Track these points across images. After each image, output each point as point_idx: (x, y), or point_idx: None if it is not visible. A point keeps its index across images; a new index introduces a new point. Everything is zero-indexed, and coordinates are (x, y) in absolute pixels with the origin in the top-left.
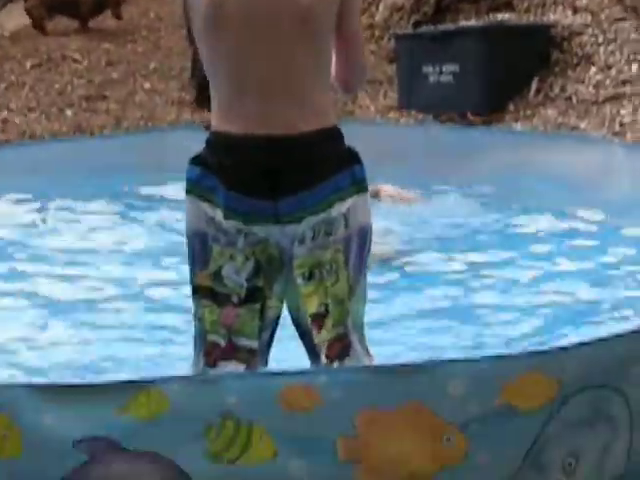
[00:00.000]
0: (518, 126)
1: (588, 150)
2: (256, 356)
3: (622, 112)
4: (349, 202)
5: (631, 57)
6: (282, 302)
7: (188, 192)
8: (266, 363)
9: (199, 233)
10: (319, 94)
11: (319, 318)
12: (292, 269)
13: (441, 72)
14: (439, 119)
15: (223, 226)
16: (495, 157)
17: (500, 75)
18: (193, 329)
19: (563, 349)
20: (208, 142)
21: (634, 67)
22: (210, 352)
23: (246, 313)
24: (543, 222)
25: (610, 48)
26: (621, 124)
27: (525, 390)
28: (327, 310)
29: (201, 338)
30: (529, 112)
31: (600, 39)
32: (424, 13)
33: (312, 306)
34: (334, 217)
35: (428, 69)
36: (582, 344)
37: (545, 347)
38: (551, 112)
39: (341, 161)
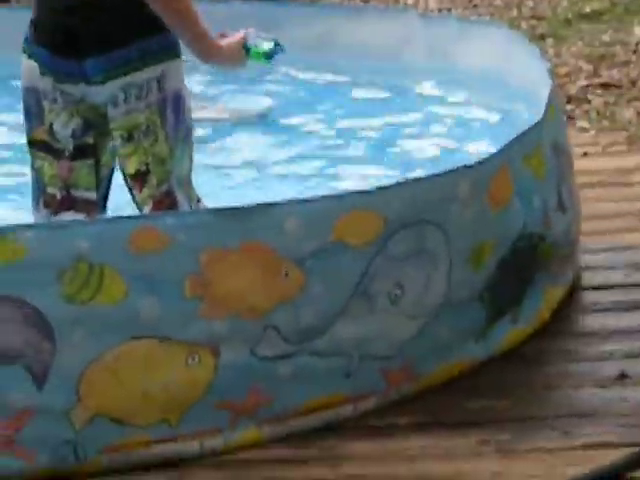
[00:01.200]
0: None
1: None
2: (95, 207)
3: None
4: (160, 67)
5: None
6: (114, 159)
7: (23, 51)
8: (103, 213)
9: (32, 89)
10: None
11: (140, 176)
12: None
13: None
14: None
15: (44, 84)
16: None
17: None
18: (31, 180)
19: (386, 188)
20: (37, 3)
21: None
22: (50, 203)
23: (81, 167)
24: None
25: None
26: (405, 4)
27: (354, 227)
28: (148, 169)
29: (39, 189)
30: None
31: None
32: None
33: (131, 166)
34: (145, 80)
35: None
36: (403, 183)
37: (370, 187)
38: None
39: (149, 27)
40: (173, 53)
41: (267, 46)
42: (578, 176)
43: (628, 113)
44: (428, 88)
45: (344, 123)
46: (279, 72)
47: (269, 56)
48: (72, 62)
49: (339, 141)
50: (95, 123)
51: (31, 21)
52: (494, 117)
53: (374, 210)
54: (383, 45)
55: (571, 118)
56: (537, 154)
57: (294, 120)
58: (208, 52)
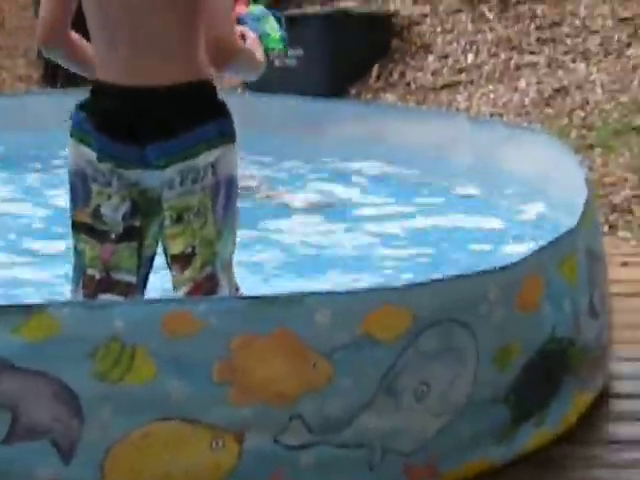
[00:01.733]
0: None
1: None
2: (134, 290)
3: (458, 98)
4: (216, 152)
5: (467, 47)
6: (157, 242)
7: (71, 135)
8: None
9: (79, 173)
10: (187, 48)
11: (185, 258)
12: (163, 212)
13: (286, 56)
14: None
15: (99, 168)
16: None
17: (342, 60)
18: (72, 262)
19: (417, 285)
20: (91, 89)
21: (469, 56)
22: (88, 285)
23: (124, 250)
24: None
25: (447, 38)
26: (457, 109)
27: (383, 322)
28: (194, 252)
29: (80, 271)
30: (369, 96)
31: (438, 29)
32: None
33: (177, 247)
34: (202, 165)
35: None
36: (435, 281)
37: (402, 284)
38: (391, 97)
39: (209, 112)
40: (229, 138)
41: (274, 28)
42: (617, 285)
43: None
44: (471, 190)
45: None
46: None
47: (284, 39)
48: (133, 148)
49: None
50: (143, 206)
51: (81, 105)
52: (533, 222)
53: (404, 306)
54: (432, 145)
55: (614, 227)
56: (570, 260)
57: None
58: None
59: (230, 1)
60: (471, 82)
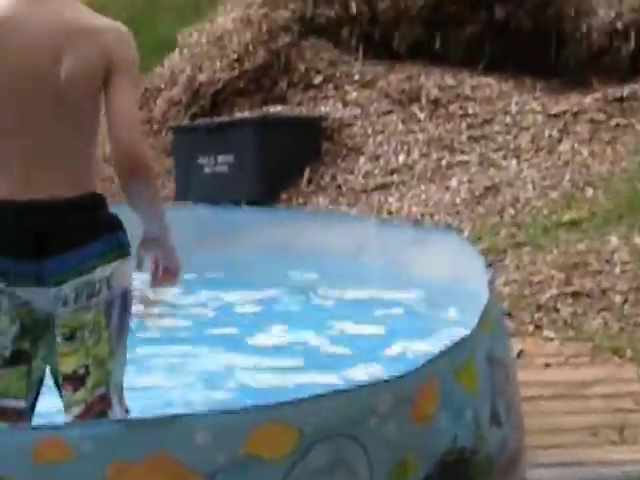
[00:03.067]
0: None
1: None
2: (23, 416)
3: (390, 200)
4: (112, 266)
5: (398, 148)
6: (45, 363)
7: None
8: (30, 421)
9: None
10: (80, 162)
11: (76, 379)
12: (54, 330)
13: (216, 163)
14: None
15: None
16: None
17: (273, 165)
18: None
19: (302, 400)
20: None
21: (401, 157)
22: None
23: (12, 375)
24: None
25: (378, 139)
26: (389, 212)
27: (267, 440)
28: (88, 371)
29: None
30: (301, 200)
31: (369, 131)
32: (201, 107)
33: (68, 366)
34: (97, 280)
35: (204, 160)
36: (320, 396)
37: (284, 400)
38: (322, 200)
39: (103, 227)
40: (124, 251)
41: None
42: (537, 387)
43: (595, 323)
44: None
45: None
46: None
47: None
48: (28, 265)
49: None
50: (31, 326)
51: None
52: (440, 325)
53: (288, 423)
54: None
55: (538, 327)
56: (468, 368)
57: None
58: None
59: (136, 106)
60: (403, 183)
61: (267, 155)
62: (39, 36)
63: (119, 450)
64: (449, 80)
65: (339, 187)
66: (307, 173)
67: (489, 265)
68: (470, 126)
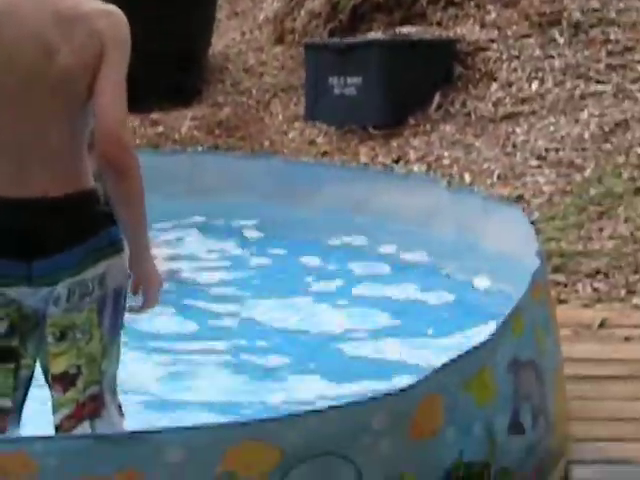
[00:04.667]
0: (416, 142)
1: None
2: (9, 414)
3: (517, 130)
4: (105, 264)
5: (532, 74)
6: (35, 361)
7: None
8: (19, 421)
9: None
10: (74, 159)
11: (68, 379)
12: (45, 328)
13: (345, 84)
14: (342, 131)
15: None
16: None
17: (402, 89)
18: None
19: (280, 419)
20: None
21: (534, 85)
22: None
23: None
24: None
25: (513, 65)
26: (514, 145)
27: (245, 459)
28: (80, 371)
29: None
30: (428, 127)
31: (504, 55)
32: (339, 21)
33: (59, 366)
34: (90, 278)
35: (333, 80)
36: (300, 415)
37: (266, 416)
38: (449, 128)
39: (96, 223)
40: (117, 248)
41: None
42: (607, 365)
43: None
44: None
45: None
46: None
47: None
48: (18, 264)
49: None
50: (20, 324)
51: None
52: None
53: (267, 441)
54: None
55: (631, 293)
56: (480, 378)
57: None
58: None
59: (123, 89)
60: (533, 113)
61: (396, 78)
62: (30, 29)
63: (87, 466)
64: (594, 2)
65: (468, 115)
66: (437, 98)
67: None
68: (610, 53)
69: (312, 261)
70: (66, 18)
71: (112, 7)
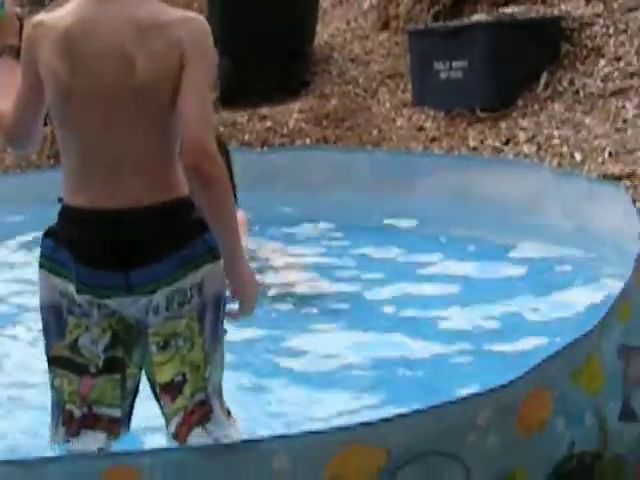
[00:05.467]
0: (524, 122)
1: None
2: (118, 424)
3: (627, 106)
4: (202, 271)
5: None
6: (141, 370)
7: (41, 266)
8: (128, 429)
9: (53, 306)
10: (166, 168)
11: (174, 387)
12: (148, 338)
13: (451, 68)
14: (450, 115)
15: (76, 299)
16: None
17: (509, 70)
18: (50, 398)
19: (388, 420)
20: (60, 215)
21: None
22: (68, 422)
23: (106, 383)
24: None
25: (620, 39)
26: (624, 120)
27: (352, 463)
28: (185, 378)
29: (59, 408)
30: (537, 107)
31: (611, 30)
32: (443, 4)
33: (164, 375)
34: (188, 286)
35: (439, 65)
36: (407, 415)
37: (370, 420)
38: (558, 107)
39: (191, 231)
40: (214, 255)
41: None
42: None
43: None
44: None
45: None
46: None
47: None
48: (116, 275)
49: None
50: (123, 335)
51: (51, 233)
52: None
53: (374, 444)
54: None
55: None
56: (589, 367)
57: None
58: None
59: (208, 100)
60: None
61: (502, 60)
62: (111, 39)
63: (193, 478)
64: None
65: (577, 92)
66: (544, 77)
67: None
68: None
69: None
70: (145, 27)
71: (192, 14)
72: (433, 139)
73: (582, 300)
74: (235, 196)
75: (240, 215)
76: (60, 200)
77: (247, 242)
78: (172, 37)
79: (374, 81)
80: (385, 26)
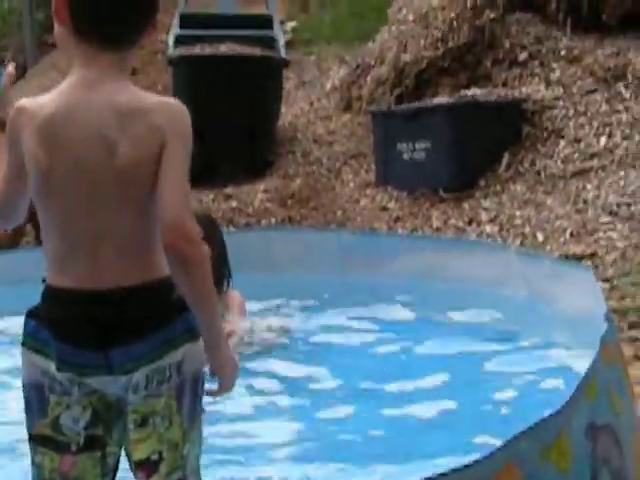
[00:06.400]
0: (487, 203)
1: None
2: None
3: (588, 187)
4: (182, 350)
5: (600, 130)
6: (121, 447)
7: (23, 344)
8: None
9: (35, 384)
10: (147, 248)
11: (150, 465)
12: (126, 415)
13: (414, 149)
14: (413, 195)
15: (57, 377)
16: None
17: (471, 151)
18: (31, 476)
19: None
20: (42, 295)
21: (602, 140)
22: None
23: (86, 460)
24: None
25: (580, 121)
26: (585, 201)
27: None
28: (161, 457)
29: None
30: (499, 187)
31: (570, 112)
32: (405, 87)
33: (141, 452)
34: (167, 365)
35: (402, 146)
36: None
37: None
38: (519, 187)
39: (171, 311)
40: (194, 334)
41: None
42: None
43: None
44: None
45: None
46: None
47: None
48: (97, 354)
49: None
50: (104, 412)
51: (33, 313)
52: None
53: None
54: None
55: None
56: (558, 444)
57: None
58: (222, 340)
59: (185, 180)
60: (602, 168)
61: (464, 141)
62: (93, 125)
63: None
64: None
65: (538, 173)
66: (506, 158)
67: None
68: None
69: None
70: (125, 113)
71: (171, 100)
72: (397, 219)
73: (548, 379)
74: (230, 276)
75: (237, 296)
76: (44, 281)
77: (246, 323)
78: (152, 123)
79: (338, 161)
80: (348, 107)
